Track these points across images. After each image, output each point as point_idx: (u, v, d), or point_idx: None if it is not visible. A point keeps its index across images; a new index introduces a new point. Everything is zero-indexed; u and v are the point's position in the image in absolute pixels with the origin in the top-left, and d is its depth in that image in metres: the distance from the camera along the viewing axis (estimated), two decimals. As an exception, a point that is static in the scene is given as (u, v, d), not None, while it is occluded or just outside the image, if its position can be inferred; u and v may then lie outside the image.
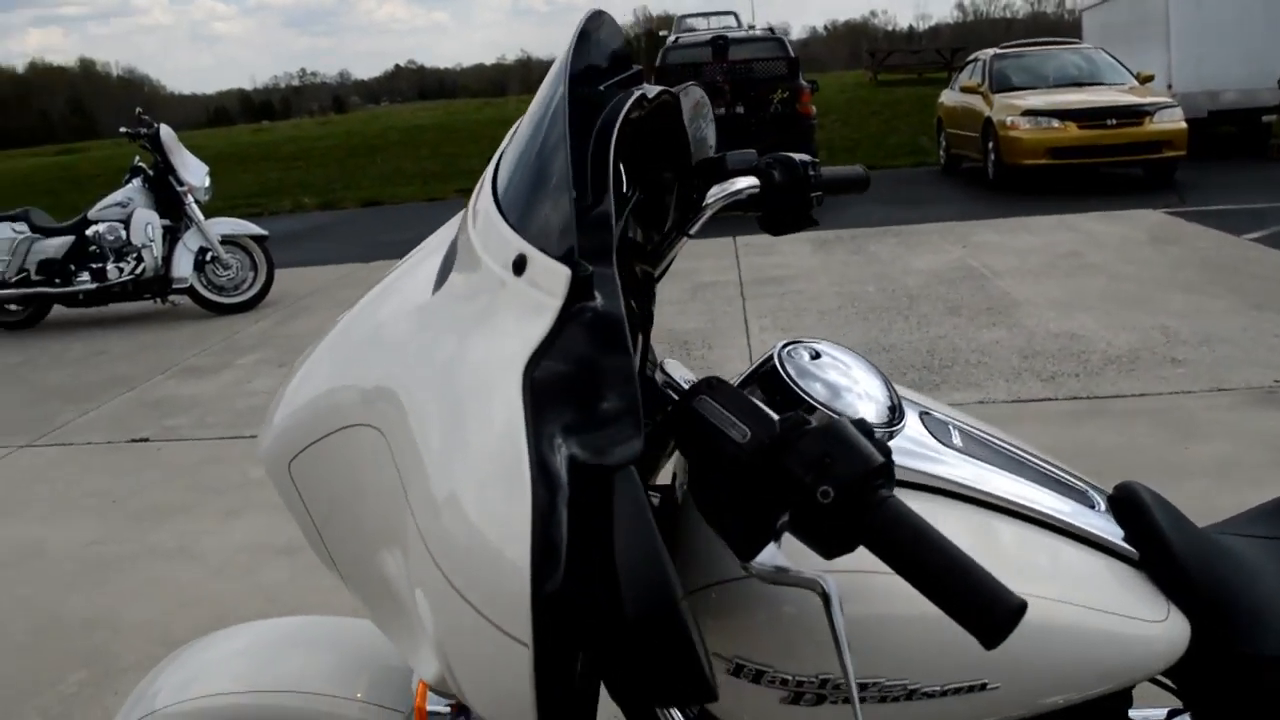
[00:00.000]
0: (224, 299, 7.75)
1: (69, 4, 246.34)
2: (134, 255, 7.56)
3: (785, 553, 0.77)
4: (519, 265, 0.71)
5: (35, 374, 6.41)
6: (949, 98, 13.23)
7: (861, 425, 0.74)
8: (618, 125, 0.86)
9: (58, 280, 7.62)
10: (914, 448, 0.98)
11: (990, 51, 12.67)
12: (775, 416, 0.78)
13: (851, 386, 0.97)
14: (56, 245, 7.60)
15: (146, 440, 4.77)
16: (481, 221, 0.81)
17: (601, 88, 1.02)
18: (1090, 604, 0.96)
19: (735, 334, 5.74)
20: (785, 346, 0.99)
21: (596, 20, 0.97)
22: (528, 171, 0.81)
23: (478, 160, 16.80)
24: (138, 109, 7.99)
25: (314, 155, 22.03)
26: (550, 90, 0.84)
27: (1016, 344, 5.08)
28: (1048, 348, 4.97)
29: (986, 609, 0.66)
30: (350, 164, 21.21)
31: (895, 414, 0.98)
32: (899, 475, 0.91)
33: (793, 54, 11.47)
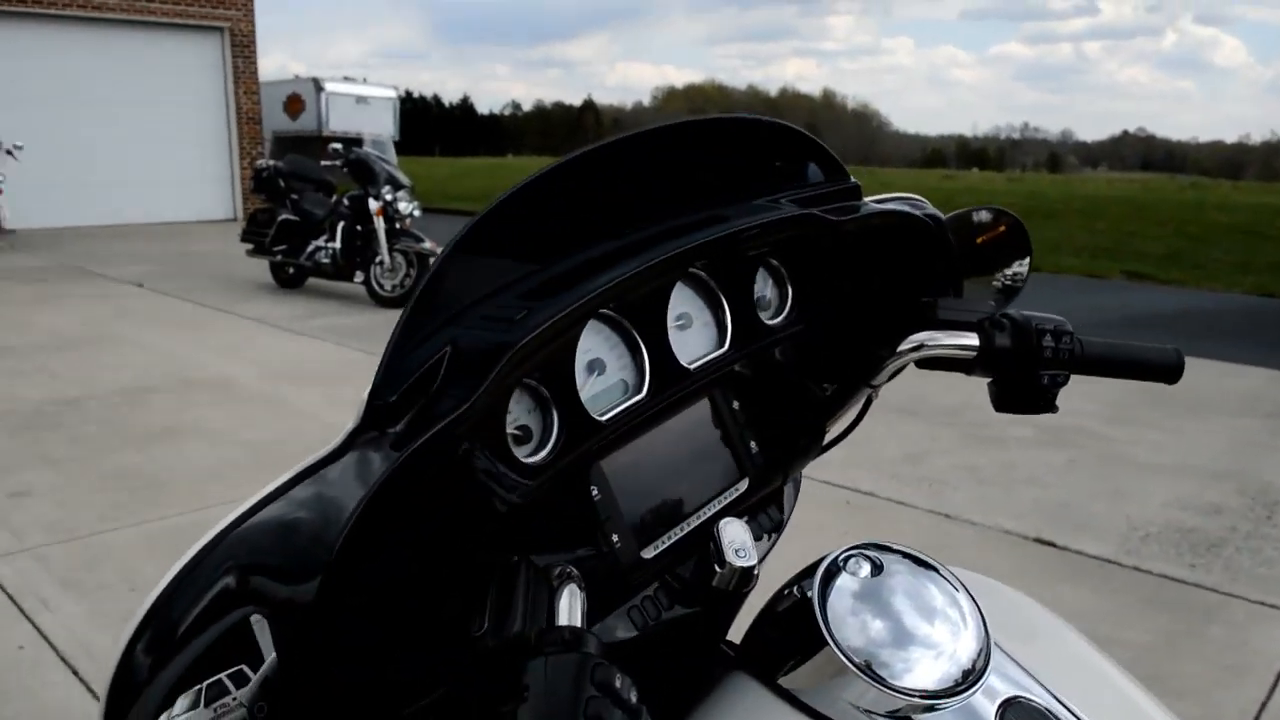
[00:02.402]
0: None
1: (828, 40, 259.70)
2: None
3: None
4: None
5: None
6: None
7: (605, 678, 0.52)
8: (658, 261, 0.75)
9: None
10: None
11: None
12: (547, 624, 0.60)
13: (913, 631, 0.65)
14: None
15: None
16: None
17: (777, 199, 0.89)
18: None
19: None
20: (849, 552, 0.70)
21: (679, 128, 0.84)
22: None
23: (1154, 243, 15.34)
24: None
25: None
26: None
27: None
28: None
29: None
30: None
31: (964, 681, 0.64)
32: None
33: None
